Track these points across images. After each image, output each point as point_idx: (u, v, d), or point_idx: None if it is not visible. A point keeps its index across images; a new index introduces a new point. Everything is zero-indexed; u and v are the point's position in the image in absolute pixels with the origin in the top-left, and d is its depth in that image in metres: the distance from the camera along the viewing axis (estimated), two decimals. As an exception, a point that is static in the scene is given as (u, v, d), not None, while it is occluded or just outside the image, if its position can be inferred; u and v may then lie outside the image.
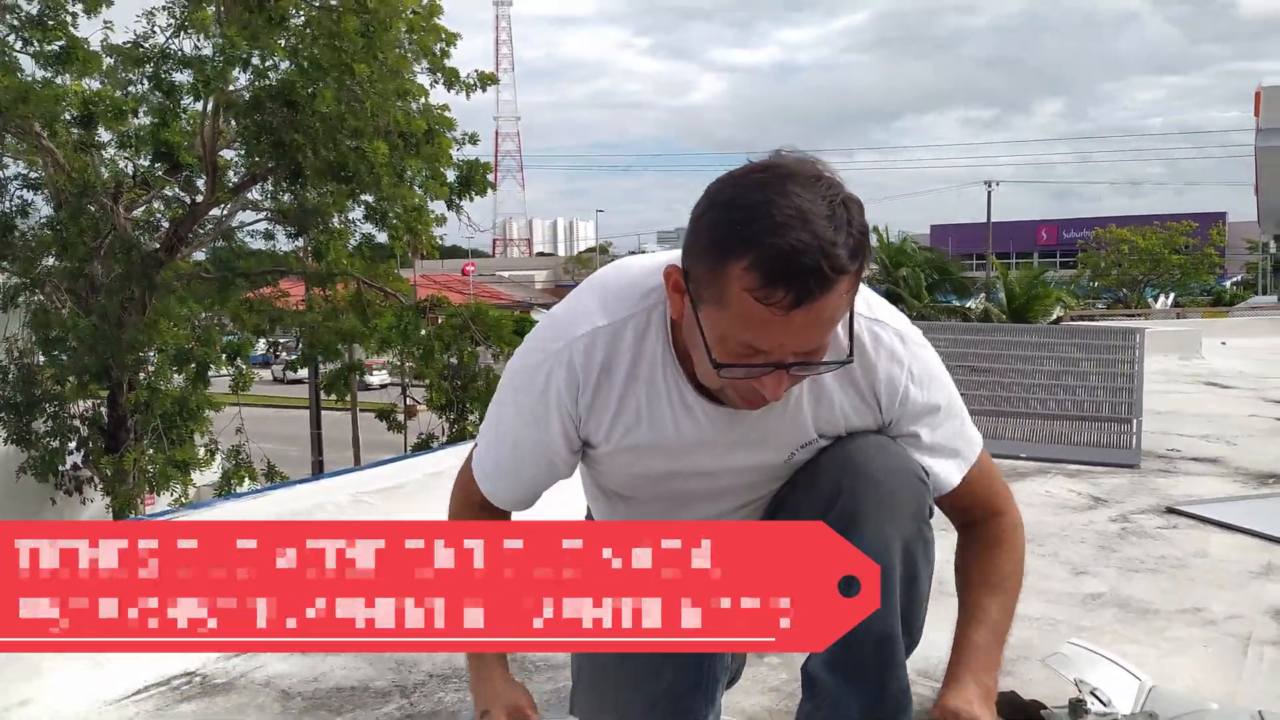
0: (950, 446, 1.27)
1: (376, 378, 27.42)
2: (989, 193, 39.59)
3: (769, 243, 0.96)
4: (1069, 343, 4.82)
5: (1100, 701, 1.55)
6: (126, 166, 12.65)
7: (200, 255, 13.87)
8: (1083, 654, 1.78)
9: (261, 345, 15.61)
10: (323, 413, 18.66)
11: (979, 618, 1.25)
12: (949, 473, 1.27)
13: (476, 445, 1.31)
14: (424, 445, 11.87)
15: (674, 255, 1.15)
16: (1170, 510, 3.08)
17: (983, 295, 27.20)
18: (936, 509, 1.30)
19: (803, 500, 1.27)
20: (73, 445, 12.81)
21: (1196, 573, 2.48)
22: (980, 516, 1.33)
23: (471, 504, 1.31)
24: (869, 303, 1.20)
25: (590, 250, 56.85)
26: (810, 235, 0.96)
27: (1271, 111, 9.89)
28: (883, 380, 1.20)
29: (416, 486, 2.55)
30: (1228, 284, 40.51)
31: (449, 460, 2.81)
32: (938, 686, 1.24)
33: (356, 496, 2.36)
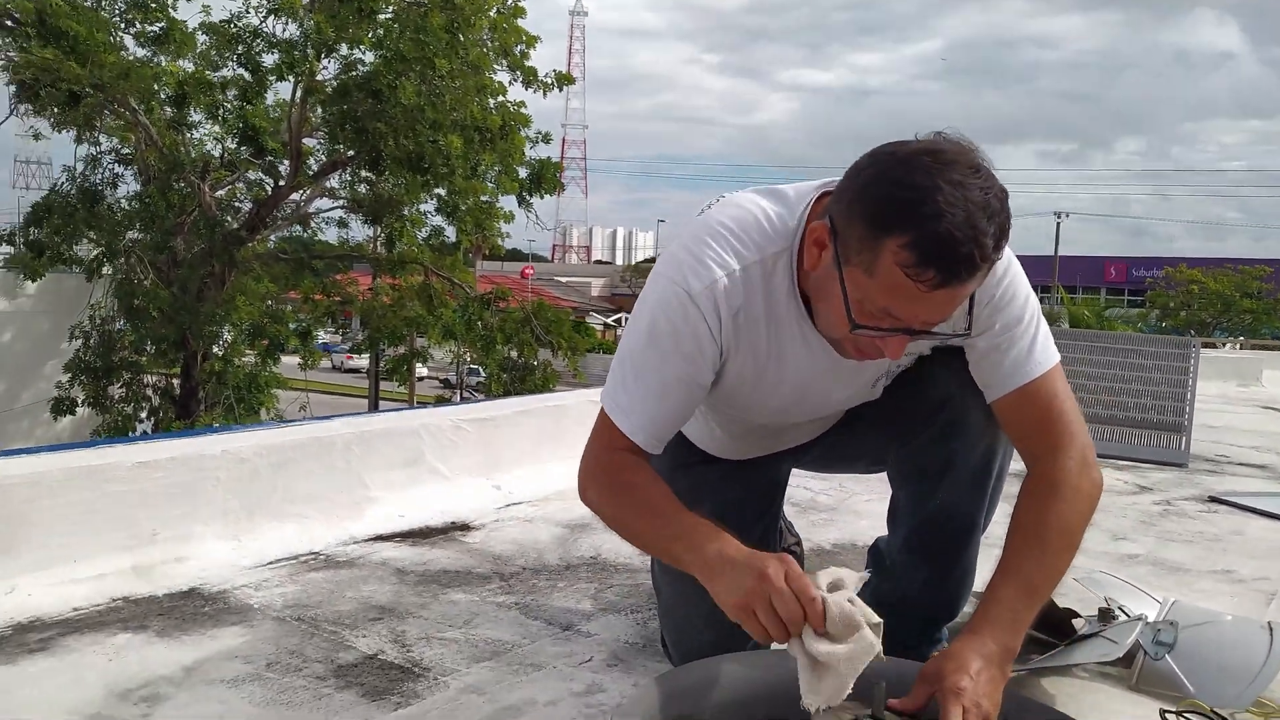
0: (1024, 353, 1.30)
1: (421, 368, 27.99)
2: (1058, 224, 39.20)
3: (930, 227, 1.03)
4: (1128, 349, 4.93)
5: (1126, 613, 1.72)
6: (214, 148, 13.19)
7: (276, 238, 14.36)
8: (1112, 580, 1.96)
9: (324, 336, 16.11)
10: (380, 403, 19.13)
11: (1012, 572, 1.23)
12: (1021, 373, 1.31)
13: (613, 402, 1.31)
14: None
15: (779, 197, 1.27)
16: (1212, 499, 3.21)
17: (1060, 327, 26.92)
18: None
19: (910, 407, 1.44)
20: (143, 414, 13.35)
21: (1230, 546, 2.62)
22: (1044, 448, 1.31)
23: (619, 456, 1.30)
24: None
25: (649, 260, 57.15)
26: (967, 225, 1.03)
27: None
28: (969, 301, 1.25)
29: (505, 421, 2.80)
30: (1301, 331, 39.45)
31: (533, 404, 3.05)
32: None
33: (456, 423, 2.61)
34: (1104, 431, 4.22)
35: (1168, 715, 1.48)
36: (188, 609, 1.78)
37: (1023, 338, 1.31)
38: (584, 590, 1.99)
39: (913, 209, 1.04)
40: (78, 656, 1.57)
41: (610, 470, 1.30)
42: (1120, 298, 42.66)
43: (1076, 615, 1.76)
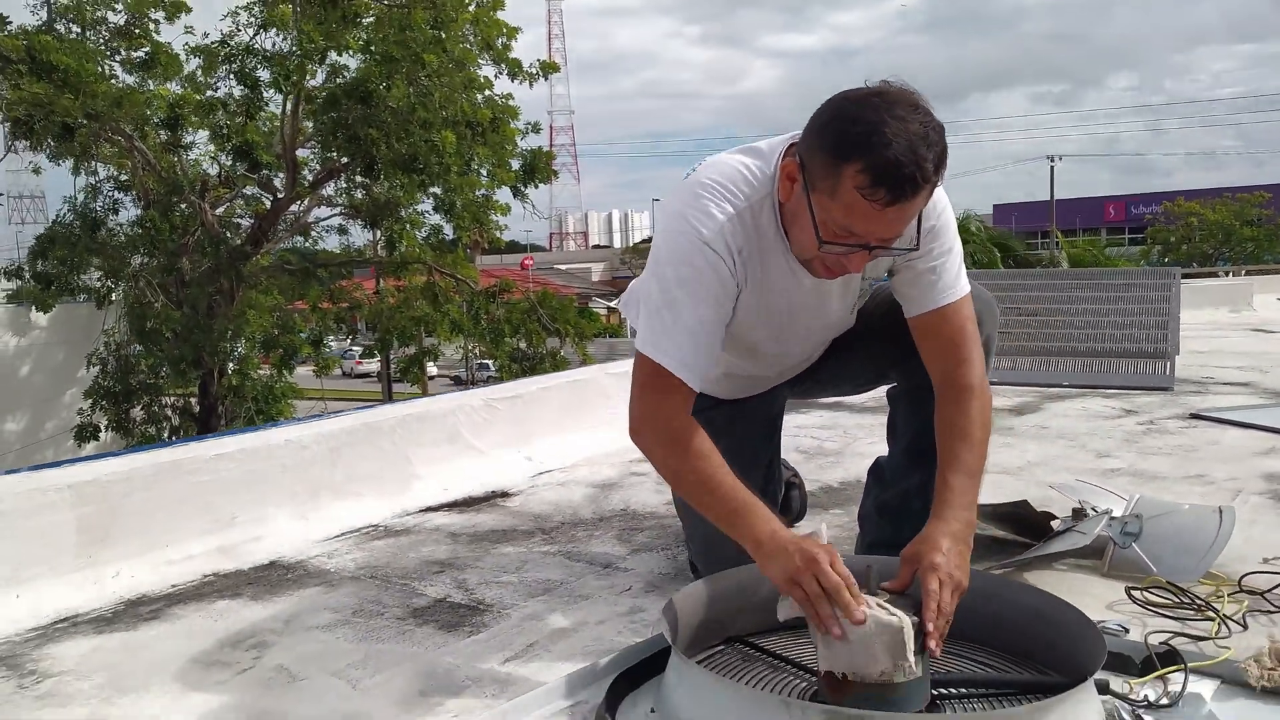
0: (951, 278, 1.56)
1: (430, 367, 28.25)
2: (1051, 168, 39.20)
3: (880, 154, 1.24)
4: (1111, 284, 5.14)
5: (1096, 510, 1.95)
6: (210, 166, 13.40)
7: (278, 250, 14.57)
8: (1086, 486, 2.18)
9: (334, 343, 16.36)
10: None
11: (954, 464, 1.46)
12: (947, 294, 1.56)
13: (656, 349, 1.44)
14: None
15: (754, 152, 1.49)
16: (1193, 415, 3.43)
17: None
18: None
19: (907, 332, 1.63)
20: (165, 433, 13.62)
21: (1206, 454, 2.84)
22: (956, 360, 1.54)
23: (672, 397, 1.44)
24: None
25: (647, 240, 57.25)
26: (910, 152, 1.24)
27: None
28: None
29: (532, 398, 3.03)
30: (1304, 255, 39.40)
31: (555, 381, 3.28)
32: None
33: (487, 402, 2.85)
34: (1093, 364, 4.45)
35: (1133, 592, 1.72)
36: (272, 577, 2.03)
37: (950, 265, 1.55)
38: (618, 536, 2.23)
39: (865, 140, 1.25)
40: (187, 622, 1.81)
41: (670, 431, 1.44)
42: (1121, 237, 42.68)
43: (1054, 517, 1.99)
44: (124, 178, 13.46)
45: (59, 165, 12.82)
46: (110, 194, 13.51)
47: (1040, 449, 2.98)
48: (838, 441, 3.20)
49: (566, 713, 1.32)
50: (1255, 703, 1.31)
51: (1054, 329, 4.75)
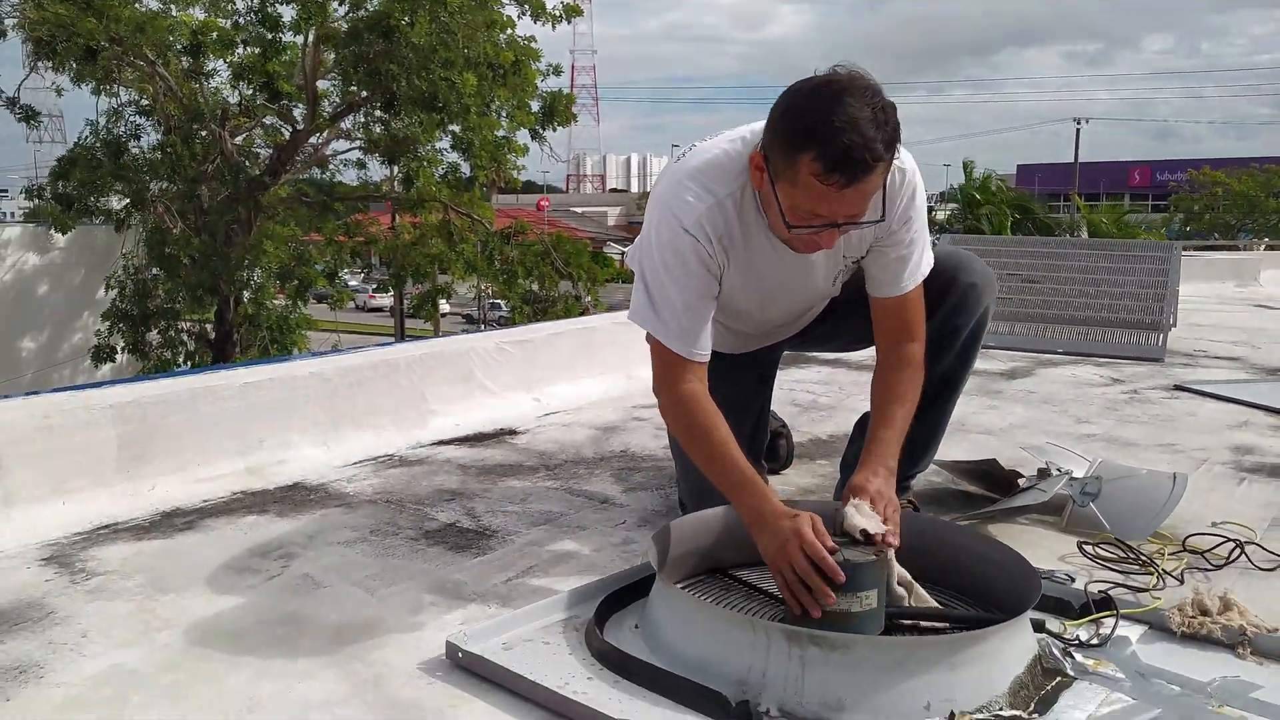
0: (913, 265, 1.71)
1: (444, 305, 28.43)
2: (1077, 130, 38.77)
3: (830, 143, 1.36)
4: (1111, 254, 5.23)
5: (1059, 470, 2.10)
6: (231, 95, 13.44)
7: (296, 181, 14.65)
8: (1052, 448, 2.33)
9: (348, 277, 16.50)
10: (407, 339, 19.56)
11: (886, 421, 1.65)
12: (908, 283, 1.70)
13: (663, 332, 1.60)
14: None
15: (739, 137, 1.61)
16: (1177, 387, 3.56)
17: (1067, 236, 26.77)
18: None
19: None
20: (180, 358, 13.86)
21: (1181, 425, 2.98)
22: (905, 337, 1.71)
23: (686, 384, 1.61)
24: None
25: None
26: (858, 136, 1.35)
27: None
28: (887, 213, 1.61)
29: (542, 343, 3.18)
30: (1330, 231, 38.93)
31: (565, 327, 3.43)
32: None
33: (499, 345, 3.00)
34: (1086, 332, 4.56)
35: (1084, 546, 1.87)
36: (297, 497, 2.20)
37: (915, 254, 1.70)
38: (616, 475, 2.39)
39: (816, 129, 1.38)
40: (219, 532, 1.99)
41: (682, 403, 1.61)
42: (1144, 203, 42.19)
43: (1021, 475, 2.14)
44: (145, 103, 13.51)
45: (80, 87, 12.87)
46: (131, 119, 13.57)
47: (1025, 412, 3.12)
48: (832, 397, 3.34)
49: (561, 625, 1.48)
50: (1175, 646, 1.47)
51: (1052, 296, 4.86)
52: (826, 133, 1.37)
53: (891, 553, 1.43)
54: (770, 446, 2.31)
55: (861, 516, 1.45)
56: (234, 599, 1.65)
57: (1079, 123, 39.38)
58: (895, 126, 1.42)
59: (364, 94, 12.74)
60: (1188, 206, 35.43)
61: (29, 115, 12.51)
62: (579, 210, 49.05)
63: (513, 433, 2.81)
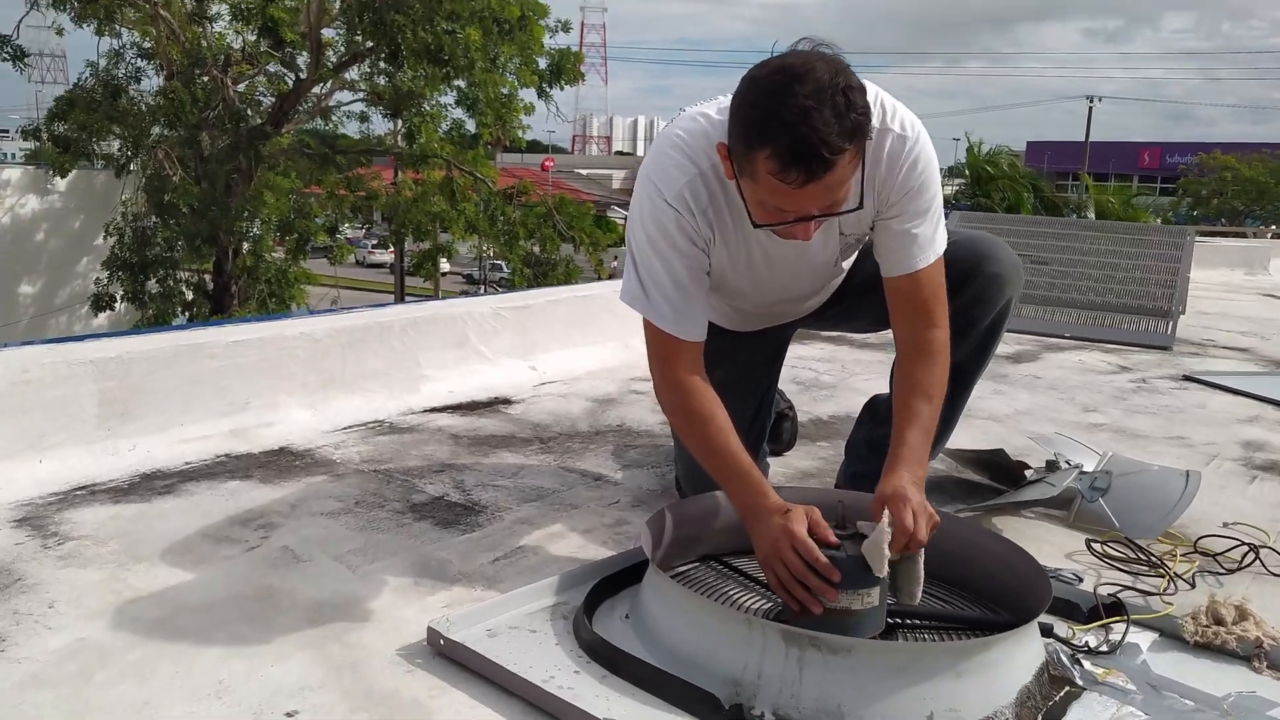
0: (926, 240, 1.57)
1: (444, 264, 28.27)
2: (1090, 109, 38.35)
3: (783, 140, 1.25)
4: (1124, 238, 5.14)
5: (1068, 463, 2.04)
6: (234, 41, 13.22)
7: (297, 131, 14.45)
8: (1060, 439, 2.27)
9: (348, 232, 16.32)
10: (406, 298, 19.48)
11: (912, 420, 1.49)
12: (920, 258, 1.55)
13: (654, 314, 1.52)
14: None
15: (728, 105, 1.43)
16: (1186, 377, 3.49)
17: (1074, 216, 26.52)
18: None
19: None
20: (179, 309, 13.75)
21: (1191, 417, 2.91)
22: (925, 323, 1.56)
23: (670, 349, 1.52)
24: (884, 108, 1.50)
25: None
26: (810, 130, 1.23)
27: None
28: (886, 183, 1.52)
29: (539, 310, 3.11)
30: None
31: (563, 294, 3.35)
32: None
33: (495, 310, 2.92)
34: (1095, 317, 4.49)
35: (1092, 544, 1.81)
36: (282, 463, 2.13)
37: (927, 227, 1.55)
38: (611, 451, 2.32)
39: (766, 127, 1.27)
40: (199, 498, 1.92)
41: (679, 387, 1.52)
42: (1153, 185, 41.80)
43: (1028, 467, 2.08)
44: (147, 45, 13.29)
45: (82, 27, 12.65)
46: (133, 61, 13.35)
47: (1030, 398, 3.05)
48: (834, 376, 3.27)
49: (548, 611, 1.42)
50: (1188, 656, 1.41)
51: (1060, 278, 4.78)
52: (777, 129, 1.26)
53: (921, 553, 1.35)
54: (774, 428, 2.24)
55: (886, 542, 1.29)
56: (210, 570, 1.59)
57: (1092, 101, 38.97)
58: (863, 109, 1.29)
59: (368, 44, 12.53)
60: (1196, 190, 35.12)
61: (18, 55, 12.24)
62: (584, 172, 48.61)
63: (507, 401, 2.75)
